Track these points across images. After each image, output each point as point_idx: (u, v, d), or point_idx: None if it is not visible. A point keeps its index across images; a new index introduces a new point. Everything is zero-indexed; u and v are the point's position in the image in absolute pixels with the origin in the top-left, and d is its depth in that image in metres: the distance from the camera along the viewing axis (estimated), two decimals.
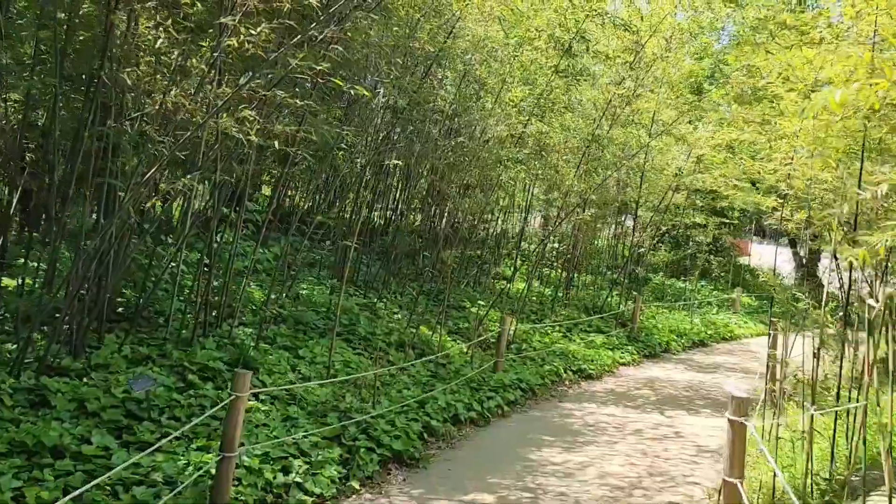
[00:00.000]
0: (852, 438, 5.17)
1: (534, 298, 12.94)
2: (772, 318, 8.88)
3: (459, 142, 10.01)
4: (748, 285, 20.17)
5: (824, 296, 5.68)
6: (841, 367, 5.98)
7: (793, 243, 25.09)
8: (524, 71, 9.73)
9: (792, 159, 6.67)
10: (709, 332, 14.35)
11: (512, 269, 14.13)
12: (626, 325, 12.80)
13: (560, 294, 13.75)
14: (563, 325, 11.73)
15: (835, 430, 5.01)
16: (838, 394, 6.02)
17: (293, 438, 5.45)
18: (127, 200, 5.29)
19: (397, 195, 12.39)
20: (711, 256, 19.76)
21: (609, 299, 14.28)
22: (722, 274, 20.15)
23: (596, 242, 17.69)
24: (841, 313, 8.04)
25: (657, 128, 12.98)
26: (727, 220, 18.67)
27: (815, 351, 7.32)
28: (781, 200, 7.98)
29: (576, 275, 15.24)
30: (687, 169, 14.19)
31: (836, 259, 10.47)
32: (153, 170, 5.22)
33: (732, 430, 4.08)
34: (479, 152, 9.72)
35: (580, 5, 9.21)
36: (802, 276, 23.97)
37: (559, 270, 15.30)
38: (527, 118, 9.61)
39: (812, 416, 4.66)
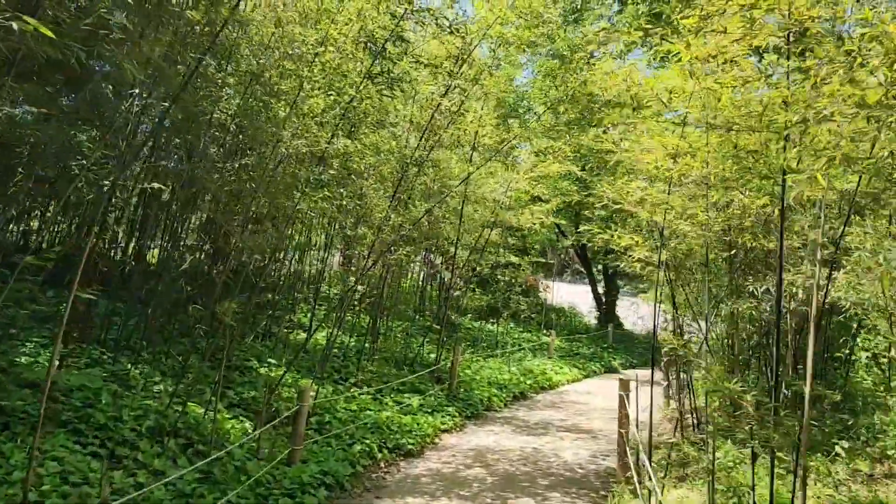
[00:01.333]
0: None
1: (336, 351, 10.91)
2: (622, 378, 7.66)
3: (245, 164, 7.85)
4: (556, 326, 19.55)
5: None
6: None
7: (592, 282, 25.37)
8: (327, 76, 7.81)
9: (672, 184, 5.39)
10: (528, 381, 13.14)
11: (310, 316, 11.97)
12: (443, 381, 11.17)
13: (367, 345, 11.82)
14: (372, 386, 9.81)
15: None
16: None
17: None
18: None
19: (164, 230, 9.81)
20: (521, 297, 18.95)
21: (421, 349, 12.60)
22: (533, 315, 19.37)
23: (404, 284, 16.03)
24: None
25: (479, 154, 11.65)
26: (535, 259, 17.95)
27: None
28: (636, 238, 6.74)
29: (382, 321, 13.39)
30: (505, 202, 12.99)
31: (659, 300, 9.47)
32: None
33: None
34: (271, 175, 7.63)
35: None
36: (602, 316, 24.24)
37: (363, 316, 13.39)
38: (331, 134, 7.68)
39: None
